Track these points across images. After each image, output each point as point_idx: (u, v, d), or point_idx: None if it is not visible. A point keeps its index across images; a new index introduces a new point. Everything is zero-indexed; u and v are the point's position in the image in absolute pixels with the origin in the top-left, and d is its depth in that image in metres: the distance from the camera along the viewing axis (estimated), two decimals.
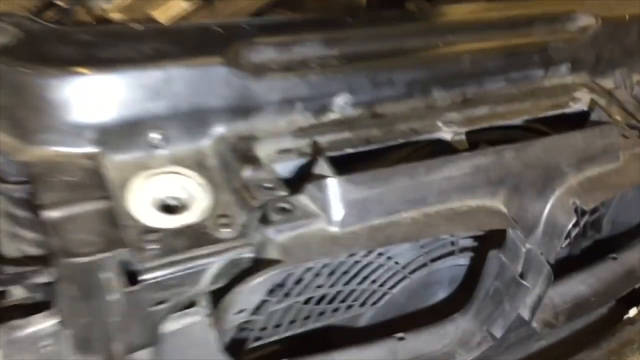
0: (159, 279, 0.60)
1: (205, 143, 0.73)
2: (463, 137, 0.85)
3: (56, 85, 0.64)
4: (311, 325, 0.84)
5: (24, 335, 0.80)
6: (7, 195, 0.77)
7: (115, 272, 0.60)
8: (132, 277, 0.63)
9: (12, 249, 0.90)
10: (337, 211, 0.69)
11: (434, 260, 0.91)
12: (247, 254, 0.65)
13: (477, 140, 0.87)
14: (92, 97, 0.66)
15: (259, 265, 0.66)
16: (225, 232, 0.65)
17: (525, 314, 0.87)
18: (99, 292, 0.61)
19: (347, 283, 0.82)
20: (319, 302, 0.82)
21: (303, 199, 0.69)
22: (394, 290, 0.89)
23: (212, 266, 0.63)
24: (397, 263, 0.88)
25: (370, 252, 0.81)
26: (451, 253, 0.89)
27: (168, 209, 0.68)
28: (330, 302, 0.83)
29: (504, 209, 0.79)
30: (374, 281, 0.85)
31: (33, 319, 0.82)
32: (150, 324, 0.65)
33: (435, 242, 0.88)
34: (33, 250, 0.85)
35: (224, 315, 0.66)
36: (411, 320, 0.95)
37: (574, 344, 1.09)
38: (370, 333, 0.92)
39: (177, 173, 0.70)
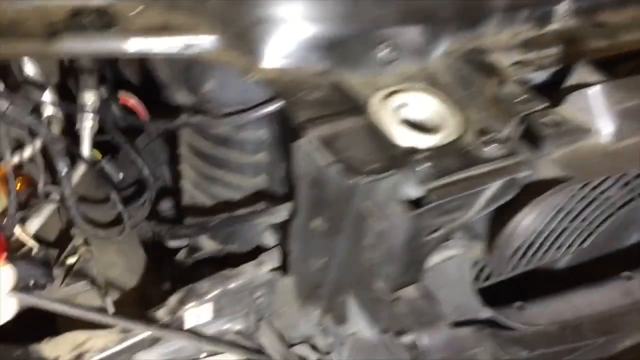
0: (441, 203, 0.51)
1: (434, 58, 0.63)
2: None
3: None
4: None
5: (238, 285, 0.73)
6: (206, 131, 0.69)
7: (393, 195, 0.51)
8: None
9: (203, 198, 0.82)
10: (609, 122, 0.59)
11: None
12: (525, 172, 0.56)
13: None
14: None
15: (535, 186, 0.57)
16: (492, 150, 0.56)
17: None
18: (375, 217, 0.53)
19: (561, 220, 0.73)
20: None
21: (567, 110, 0.60)
22: (601, 228, 0.79)
23: (490, 188, 0.54)
24: (608, 197, 0.78)
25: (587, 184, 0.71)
26: None
27: (416, 128, 0.59)
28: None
29: None
30: (584, 219, 0.76)
31: (246, 267, 0.74)
32: (420, 256, 0.56)
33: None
34: (231, 194, 0.77)
35: (499, 247, 0.57)
36: (605, 265, 0.85)
37: None
38: (564, 278, 0.83)
39: (416, 90, 0.61)
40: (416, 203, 0.51)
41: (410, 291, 0.59)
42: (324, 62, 0.57)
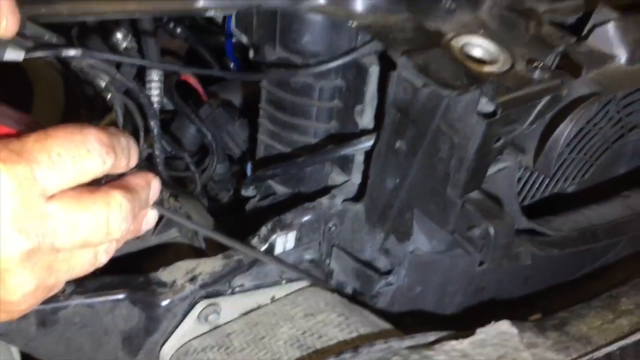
0: (507, 113, 0.66)
1: (481, 10, 0.79)
2: None
3: None
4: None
5: (316, 215, 0.86)
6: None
7: (471, 109, 0.66)
8: None
9: None
10: (625, 50, 0.75)
11: (632, 129, 0.97)
12: (564, 90, 0.71)
13: None
14: None
15: (573, 102, 0.72)
16: (540, 74, 0.71)
17: None
18: (453, 129, 0.67)
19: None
20: None
21: (593, 42, 0.75)
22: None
23: (540, 103, 0.69)
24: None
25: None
26: None
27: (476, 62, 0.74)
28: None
29: None
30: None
31: (322, 200, 0.88)
32: (485, 163, 0.71)
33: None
34: (306, 140, 0.90)
35: (546, 152, 0.72)
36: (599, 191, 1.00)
37: None
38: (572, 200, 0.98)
39: (472, 34, 0.76)
40: (487, 115, 0.66)
41: (476, 194, 0.74)
42: (406, 11, 0.73)
